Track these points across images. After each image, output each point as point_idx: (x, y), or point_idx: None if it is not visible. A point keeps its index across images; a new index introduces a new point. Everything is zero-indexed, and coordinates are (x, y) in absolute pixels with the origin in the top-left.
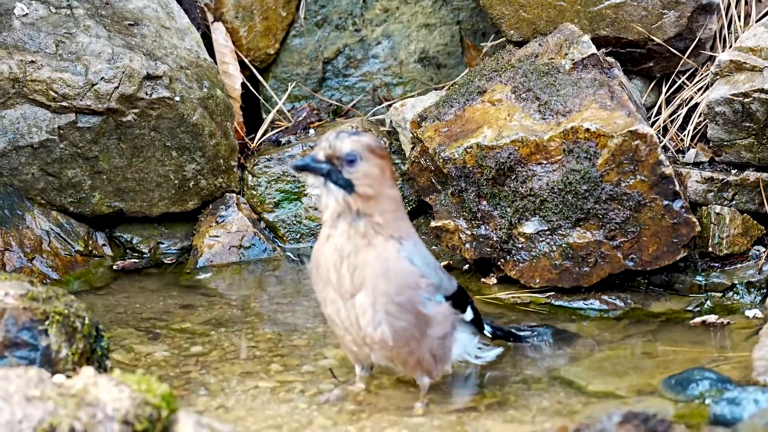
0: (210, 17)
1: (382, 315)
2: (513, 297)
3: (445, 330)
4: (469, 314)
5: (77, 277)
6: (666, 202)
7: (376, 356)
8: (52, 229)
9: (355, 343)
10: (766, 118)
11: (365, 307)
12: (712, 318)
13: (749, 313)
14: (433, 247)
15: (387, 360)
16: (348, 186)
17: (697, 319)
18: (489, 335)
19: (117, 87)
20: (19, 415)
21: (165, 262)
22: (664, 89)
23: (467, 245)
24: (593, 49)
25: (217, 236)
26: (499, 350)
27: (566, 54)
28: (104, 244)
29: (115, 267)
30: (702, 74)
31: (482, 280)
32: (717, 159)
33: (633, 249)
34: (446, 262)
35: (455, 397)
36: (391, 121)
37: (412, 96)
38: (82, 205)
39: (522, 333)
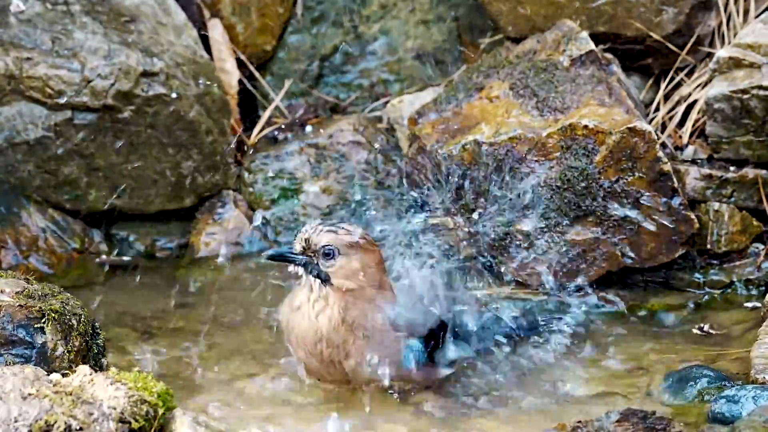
0: (207, 14)
1: (369, 370)
2: (510, 294)
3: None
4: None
5: (73, 274)
6: (664, 199)
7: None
8: (48, 227)
9: (339, 384)
10: (765, 115)
11: (349, 369)
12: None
13: (747, 310)
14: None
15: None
16: (324, 278)
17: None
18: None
19: (113, 84)
20: (15, 413)
21: (157, 256)
22: (663, 86)
23: (465, 242)
24: (591, 46)
25: (213, 233)
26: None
27: (564, 50)
28: (100, 242)
29: (97, 261)
30: (701, 71)
31: None
32: (716, 156)
33: (631, 246)
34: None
35: (452, 396)
36: (388, 118)
37: (409, 92)
38: (78, 202)
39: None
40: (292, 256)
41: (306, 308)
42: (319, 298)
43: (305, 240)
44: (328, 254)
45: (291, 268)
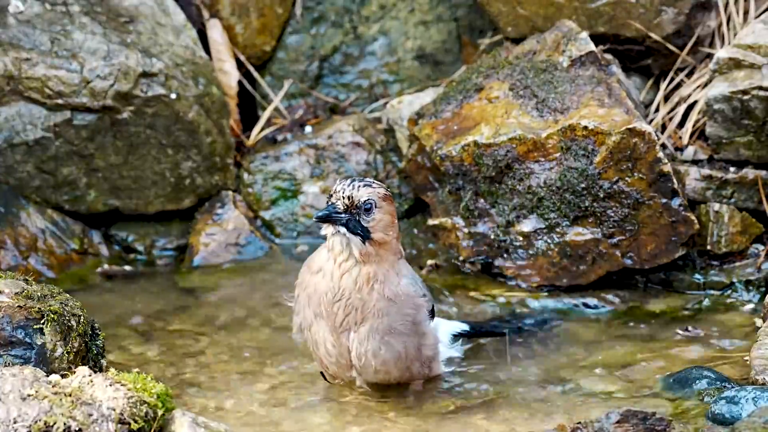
0: (206, 14)
1: (382, 343)
2: (510, 295)
3: (435, 339)
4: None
5: (72, 275)
6: (664, 200)
7: (364, 377)
8: (47, 228)
9: (339, 366)
10: (765, 116)
11: (362, 339)
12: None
13: (747, 311)
14: (430, 245)
15: (377, 380)
16: (365, 233)
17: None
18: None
19: (112, 84)
20: (14, 414)
21: (158, 262)
22: (663, 86)
23: (464, 243)
24: (591, 46)
25: (213, 234)
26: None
27: (564, 51)
28: (100, 243)
29: (98, 270)
30: (701, 71)
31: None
32: (716, 156)
33: (631, 247)
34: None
35: (452, 396)
36: (387, 119)
37: (409, 93)
38: (77, 203)
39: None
40: (337, 215)
41: (329, 268)
42: (348, 257)
43: (348, 197)
44: (369, 208)
45: (329, 229)
